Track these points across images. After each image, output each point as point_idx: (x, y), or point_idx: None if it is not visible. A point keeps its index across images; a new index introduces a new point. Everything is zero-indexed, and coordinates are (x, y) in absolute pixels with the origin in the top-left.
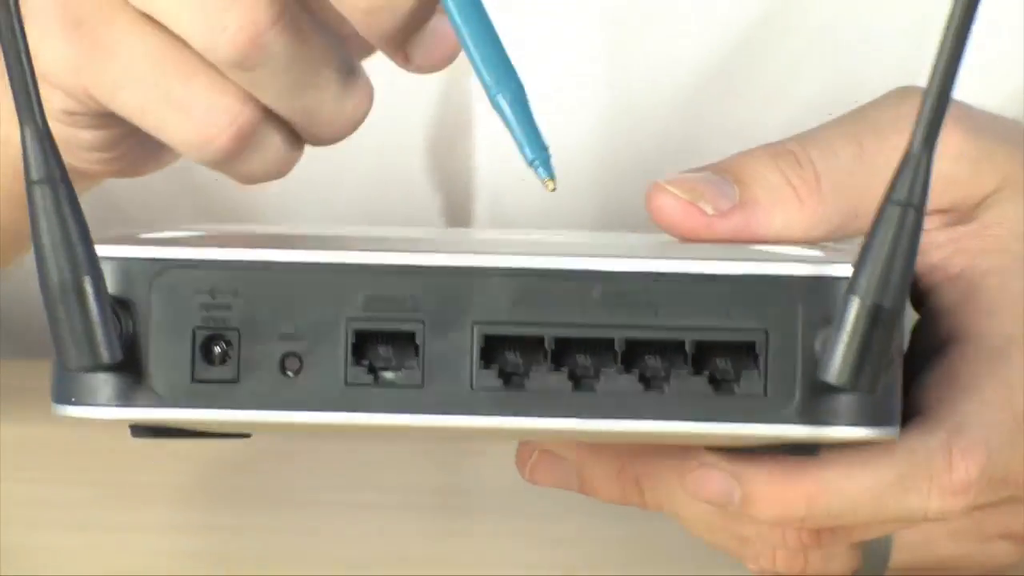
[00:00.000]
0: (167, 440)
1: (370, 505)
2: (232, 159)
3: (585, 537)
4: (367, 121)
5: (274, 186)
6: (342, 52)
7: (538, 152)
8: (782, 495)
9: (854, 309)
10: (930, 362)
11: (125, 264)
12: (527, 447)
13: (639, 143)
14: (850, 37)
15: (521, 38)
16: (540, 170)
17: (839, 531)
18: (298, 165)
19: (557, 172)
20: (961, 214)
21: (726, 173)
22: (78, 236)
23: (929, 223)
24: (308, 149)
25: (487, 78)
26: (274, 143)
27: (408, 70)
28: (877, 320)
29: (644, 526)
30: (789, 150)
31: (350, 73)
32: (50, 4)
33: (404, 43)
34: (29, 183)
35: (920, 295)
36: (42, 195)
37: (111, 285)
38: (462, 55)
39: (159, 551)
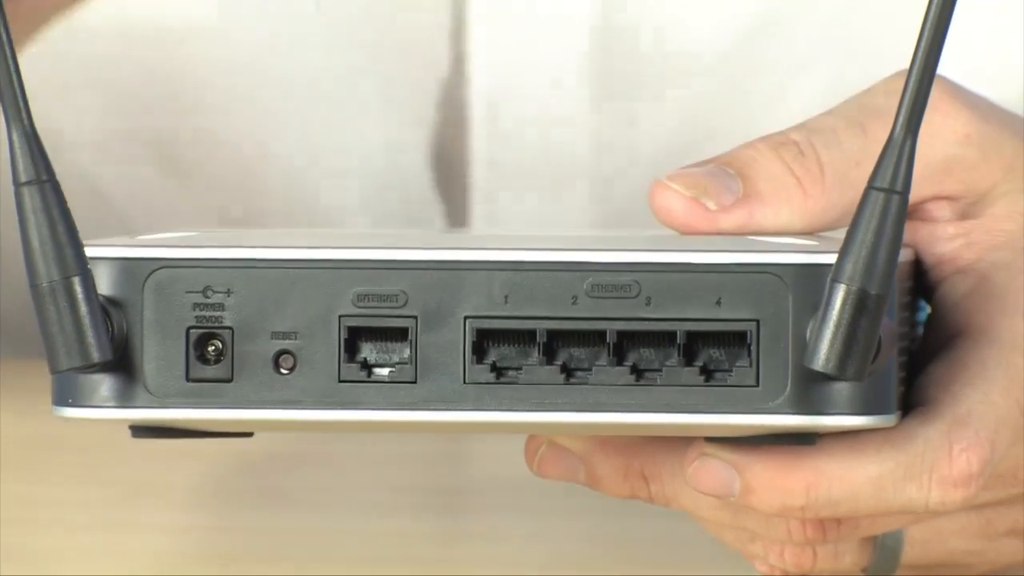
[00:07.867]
0: (168, 440)
1: (376, 505)
2: None
3: (595, 535)
4: (366, 131)
5: (277, 197)
6: None
7: None
8: (781, 484)
9: (839, 296)
10: (937, 355)
11: (117, 264)
12: (535, 440)
13: (639, 145)
14: (858, 33)
15: (519, 32)
16: None
17: (845, 524)
18: (301, 177)
19: (555, 176)
20: (968, 205)
21: (728, 166)
22: (66, 236)
23: (938, 212)
24: (310, 160)
25: None
26: None
27: None
28: (863, 306)
29: (654, 524)
30: (792, 140)
31: None
32: None
33: None
34: (17, 185)
35: (930, 287)
36: (30, 196)
37: (103, 285)
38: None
39: (162, 551)
